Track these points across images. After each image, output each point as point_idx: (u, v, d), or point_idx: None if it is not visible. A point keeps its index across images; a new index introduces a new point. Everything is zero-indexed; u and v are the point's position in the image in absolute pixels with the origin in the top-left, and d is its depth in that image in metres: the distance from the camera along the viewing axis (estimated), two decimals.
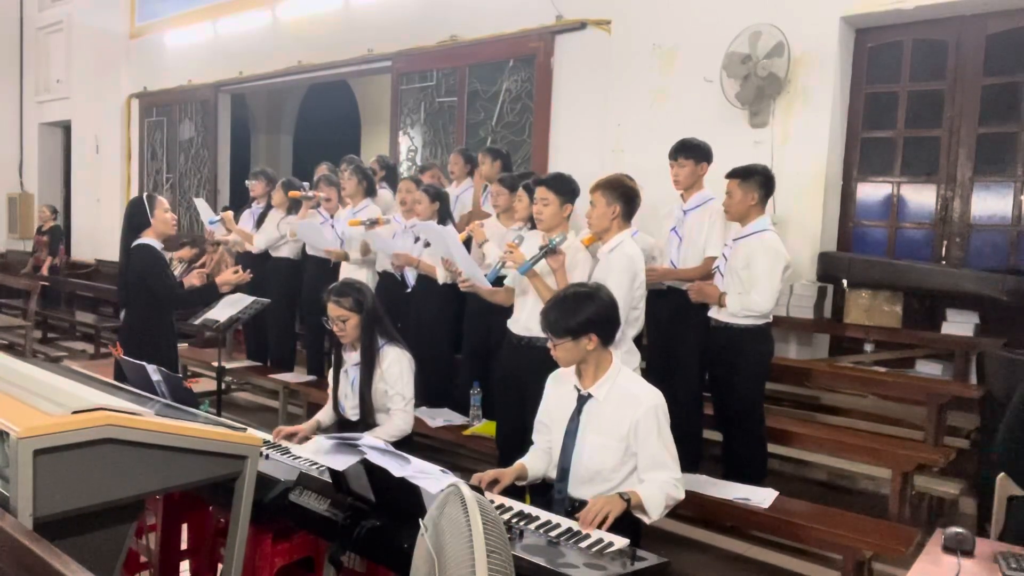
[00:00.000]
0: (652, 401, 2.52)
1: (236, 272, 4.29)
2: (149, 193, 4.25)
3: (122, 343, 3.89)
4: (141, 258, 4.04)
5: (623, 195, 3.42)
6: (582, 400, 2.61)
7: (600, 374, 2.59)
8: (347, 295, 3.21)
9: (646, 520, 2.46)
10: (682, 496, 2.51)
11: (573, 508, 2.50)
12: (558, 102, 6.29)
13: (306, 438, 3.12)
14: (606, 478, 2.53)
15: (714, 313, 3.96)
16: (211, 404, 4.79)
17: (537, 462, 2.71)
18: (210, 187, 9.74)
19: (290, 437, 3.13)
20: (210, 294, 4.41)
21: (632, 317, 3.43)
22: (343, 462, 2.28)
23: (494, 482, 2.57)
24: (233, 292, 4.66)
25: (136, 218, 4.09)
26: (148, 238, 4.07)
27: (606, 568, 2.00)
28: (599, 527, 2.26)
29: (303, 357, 6.09)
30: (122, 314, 4.35)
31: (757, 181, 3.85)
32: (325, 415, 3.43)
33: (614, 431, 2.52)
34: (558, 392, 2.72)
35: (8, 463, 1.70)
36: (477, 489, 1.74)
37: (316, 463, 2.67)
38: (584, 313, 2.51)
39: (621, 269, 3.34)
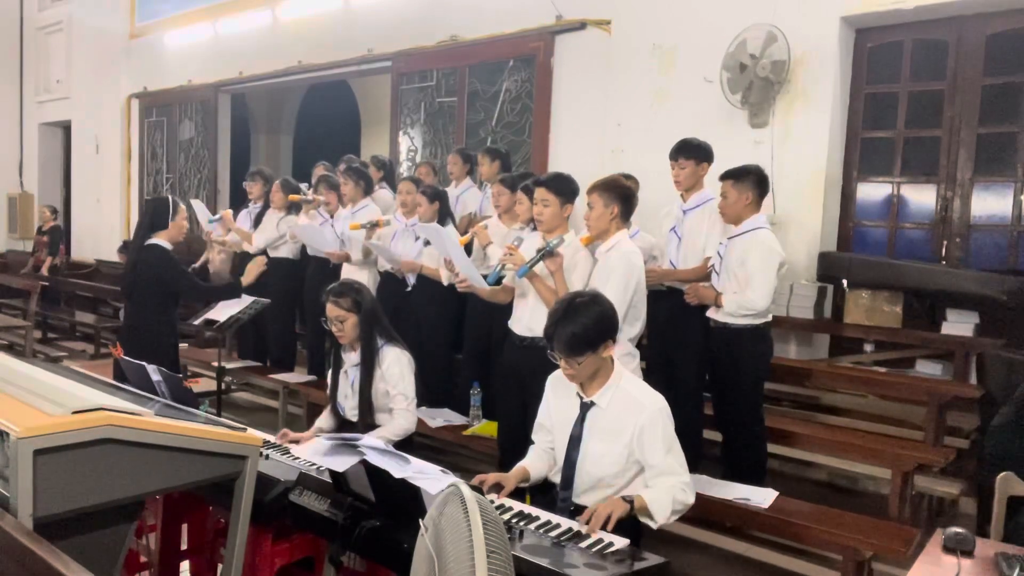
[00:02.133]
0: (656, 406, 2.49)
1: (259, 265, 4.37)
2: (175, 198, 4.30)
3: (122, 342, 3.90)
4: (154, 259, 4.08)
5: (620, 195, 3.41)
6: (585, 407, 2.58)
7: (603, 381, 2.55)
8: (345, 295, 3.21)
9: (652, 525, 2.42)
10: (691, 500, 2.46)
11: (576, 513, 2.48)
12: (558, 102, 6.29)
13: None
14: (608, 484, 2.51)
15: (712, 313, 3.95)
16: (211, 404, 4.78)
17: (539, 463, 2.70)
18: (210, 187, 9.73)
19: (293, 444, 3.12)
20: (234, 290, 4.52)
21: (632, 317, 3.42)
22: (342, 463, 2.28)
23: (498, 486, 2.54)
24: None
25: (158, 216, 4.14)
26: (161, 239, 4.11)
27: (606, 568, 2.00)
28: (603, 529, 2.25)
29: (303, 357, 6.09)
30: (122, 311, 4.37)
31: (751, 181, 3.85)
32: (325, 421, 3.42)
33: (617, 438, 2.50)
34: (558, 397, 2.70)
35: (8, 463, 1.70)
36: (477, 489, 1.74)
37: (316, 463, 2.67)
38: (594, 321, 2.46)
39: (621, 273, 3.31)
